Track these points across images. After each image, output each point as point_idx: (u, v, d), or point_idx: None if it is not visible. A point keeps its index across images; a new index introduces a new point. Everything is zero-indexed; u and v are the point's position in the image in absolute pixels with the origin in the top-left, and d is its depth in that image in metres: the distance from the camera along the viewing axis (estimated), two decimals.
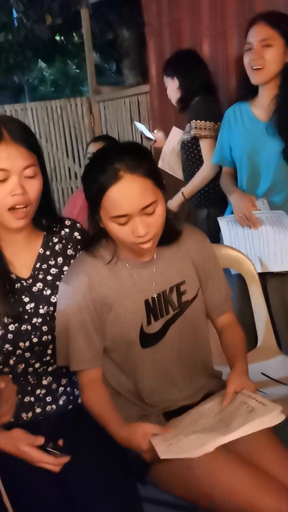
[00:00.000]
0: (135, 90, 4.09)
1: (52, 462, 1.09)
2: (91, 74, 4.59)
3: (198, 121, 2.26)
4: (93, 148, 2.63)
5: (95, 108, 4.62)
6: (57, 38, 7.32)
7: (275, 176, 1.90)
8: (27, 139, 1.14)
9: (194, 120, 2.28)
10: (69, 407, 1.30)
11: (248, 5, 2.34)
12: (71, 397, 1.30)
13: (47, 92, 11.37)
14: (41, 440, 1.11)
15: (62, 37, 7.41)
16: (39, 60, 8.65)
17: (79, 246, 1.31)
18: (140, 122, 3.99)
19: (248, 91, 1.92)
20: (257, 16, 1.84)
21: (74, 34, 7.21)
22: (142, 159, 1.12)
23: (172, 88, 2.42)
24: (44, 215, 1.27)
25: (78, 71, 10.39)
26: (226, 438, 1.04)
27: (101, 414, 1.20)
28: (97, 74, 4.77)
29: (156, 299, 1.25)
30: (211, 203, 2.37)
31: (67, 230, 1.33)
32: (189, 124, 2.35)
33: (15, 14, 6.34)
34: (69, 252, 1.31)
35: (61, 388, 1.30)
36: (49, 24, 5.62)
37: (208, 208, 2.39)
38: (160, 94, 3.14)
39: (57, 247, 1.30)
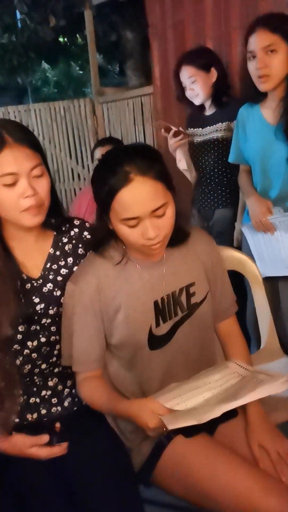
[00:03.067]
0: (138, 91, 4.09)
1: (60, 451, 1.13)
2: (95, 76, 4.59)
3: None
4: (99, 152, 2.58)
5: (98, 109, 4.62)
6: (61, 39, 7.34)
7: (284, 182, 1.87)
8: (29, 139, 1.14)
9: None
10: (74, 409, 1.30)
11: (252, 6, 2.34)
12: (76, 399, 1.31)
13: (50, 93, 11.40)
14: (45, 439, 1.12)
15: (66, 39, 7.42)
16: (43, 61, 8.66)
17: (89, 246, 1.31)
18: (143, 123, 4.01)
19: (257, 94, 1.89)
20: (256, 22, 1.79)
21: (77, 35, 7.22)
22: (152, 161, 1.11)
23: (206, 82, 2.26)
24: (52, 215, 1.27)
25: (81, 72, 10.41)
26: (233, 404, 1.02)
27: (102, 400, 1.19)
28: (100, 76, 4.77)
29: (165, 300, 1.24)
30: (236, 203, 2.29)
31: (76, 230, 1.33)
32: (227, 122, 2.26)
33: (18, 16, 6.35)
34: (80, 251, 1.31)
35: (67, 390, 1.30)
36: (53, 25, 5.62)
37: (234, 208, 2.31)
38: (164, 96, 3.15)
39: (67, 247, 1.30)
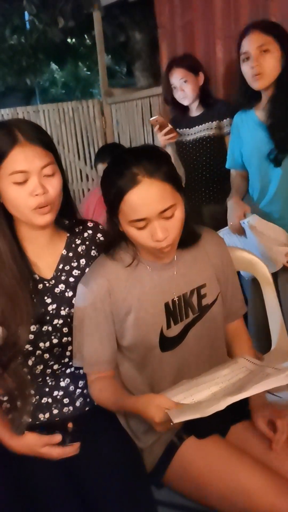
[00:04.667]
0: (147, 92, 4.09)
1: (72, 451, 1.14)
2: (103, 77, 4.60)
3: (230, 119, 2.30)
4: (102, 168, 2.62)
5: (106, 110, 4.63)
6: (69, 40, 7.35)
7: (280, 182, 1.91)
8: (41, 138, 1.15)
9: (229, 118, 2.31)
10: (86, 409, 1.31)
11: (262, 6, 2.34)
12: (88, 399, 1.31)
13: (58, 94, 11.42)
14: (58, 438, 1.12)
15: (74, 40, 7.43)
16: (51, 62, 8.68)
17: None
18: (151, 124, 4.00)
19: (251, 98, 1.95)
20: (248, 26, 1.87)
21: (86, 36, 7.22)
22: (160, 163, 1.12)
23: (195, 84, 2.41)
24: (65, 215, 1.28)
25: (89, 73, 10.42)
26: (238, 396, 1.01)
27: (111, 398, 1.20)
28: (108, 76, 4.77)
29: (176, 302, 1.24)
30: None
31: (90, 231, 1.34)
32: (217, 121, 2.39)
33: (27, 17, 6.38)
34: (93, 253, 1.32)
35: (79, 390, 1.30)
36: (61, 26, 5.63)
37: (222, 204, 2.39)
38: None
39: (79, 249, 1.31)
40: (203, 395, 1.10)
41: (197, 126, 2.49)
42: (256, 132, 1.95)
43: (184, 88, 2.42)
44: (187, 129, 2.53)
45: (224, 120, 2.38)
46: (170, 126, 2.36)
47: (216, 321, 1.31)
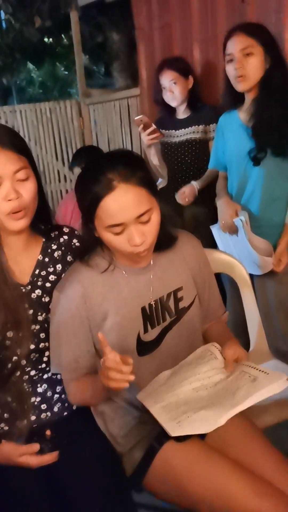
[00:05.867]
0: (125, 93, 4.08)
1: (51, 459, 1.12)
2: (81, 77, 4.57)
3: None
4: (78, 171, 2.60)
5: (84, 111, 4.60)
6: (46, 40, 7.30)
7: (256, 181, 1.95)
8: (14, 142, 1.13)
9: (215, 124, 2.32)
10: (64, 414, 1.29)
11: (239, 10, 2.36)
12: (66, 404, 1.30)
13: (35, 94, 11.31)
14: (36, 448, 1.11)
15: (51, 39, 7.38)
16: (28, 62, 8.61)
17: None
18: (130, 125, 4.00)
19: (235, 98, 1.99)
20: (233, 28, 1.91)
21: (63, 36, 7.19)
22: (135, 167, 1.11)
23: (185, 87, 2.44)
24: (41, 220, 1.26)
25: (67, 73, 10.36)
26: (236, 409, 1.04)
27: (89, 388, 1.19)
28: (86, 77, 4.76)
29: (153, 305, 1.24)
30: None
31: (65, 237, 1.33)
32: (203, 125, 2.44)
33: (3, 16, 6.31)
34: (69, 258, 1.31)
35: (56, 395, 1.29)
36: (38, 26, 5.58)
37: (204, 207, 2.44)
38: (151, 98, 3.14)
39: (56, 254, 1.29)
40: (185, 390, 1.15)
41: (183, 129, 2.53)
42: (237, 133, 1.98)
43: (173, 90, 2.44)
44: (173, 130, 2.55)
45: (211, 125, 2.42)
46: (154, 126, 2.37)
47: (193, 324, 1.31)
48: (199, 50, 2.67)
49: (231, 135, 2.03)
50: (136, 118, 2.40)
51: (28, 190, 1.15)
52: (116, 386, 1.03)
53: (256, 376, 1.11)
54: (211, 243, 2.17)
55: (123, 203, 1.08)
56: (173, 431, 1.04)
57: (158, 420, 1.10)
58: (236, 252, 1.99)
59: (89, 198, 1.11)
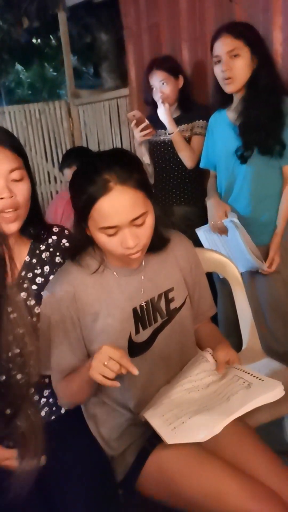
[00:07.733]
0: (114, 93, 4.07)
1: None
2: (70, 78, 4.56)
3: (205, 121, 2.33)
4: (69, 173, 2.58)
5: (74, 111, 4.59)
6: (34, 41, 7.27)
7: (243, 180, 1.96)
8: (11, 142, 1.13)
9: (202, 120, 2.36)
10: (52, 418, 1.28)
11: (227, 9, 2.36)
12: (54, 408, 1.28)
13: (24, 95, 11.27)
14: None
15: (39, 40, 7.35)
16: (16, 63, 8.57)
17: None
18: (119, 126, 3.99)
19: (224, 98, 2.00)
20: (220, 29, 1.91)
21: (51, 37, 7.16)
22: (132, 169, 1.09)
23: (175, 87, 2.41)
24: (32, 223, 1.24)
25: (55, 74, 10.34)
26: (231, 417, 1.03)
27: (76, 381, 1.17)
28: (75, 77, 4.73)
29: (144, 307, 1.23)
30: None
31: (54, 237, 1.31)
32: (191, 123, 2.42)
33: None
34: (57, 259, 1.29)
35: (43, 400, 1.27)
36: (26, 27, 5.55)
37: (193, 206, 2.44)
38: (140, 98, 3.14)
39: (44, 255, 1.28)
40: (177, 391, 1.16)
41: None
42: (226, 132, 1.99)
43: (163, 90, 2.41)
44: (163, 130, 2.53)
45: (199, 121, 2.40)
46: (147, 122, 2.36)
47: (184, 325, 1.30)
48: (188, 50, 2.67)
49: (220, 134, 2.04)
50: (129, 113, 2.40)
51: (21, 191, 1.14)
52: (103, 381, 1.04)
53: (250, 382, 1.10)
54: (201, 243, 2.17)
55: (118, 205, 1.06)
56: (169, 440, 1.04)
57: (153, 426, 1.09)
58: (226, 252, 1.99)
59: (83, 198, 1.08)
